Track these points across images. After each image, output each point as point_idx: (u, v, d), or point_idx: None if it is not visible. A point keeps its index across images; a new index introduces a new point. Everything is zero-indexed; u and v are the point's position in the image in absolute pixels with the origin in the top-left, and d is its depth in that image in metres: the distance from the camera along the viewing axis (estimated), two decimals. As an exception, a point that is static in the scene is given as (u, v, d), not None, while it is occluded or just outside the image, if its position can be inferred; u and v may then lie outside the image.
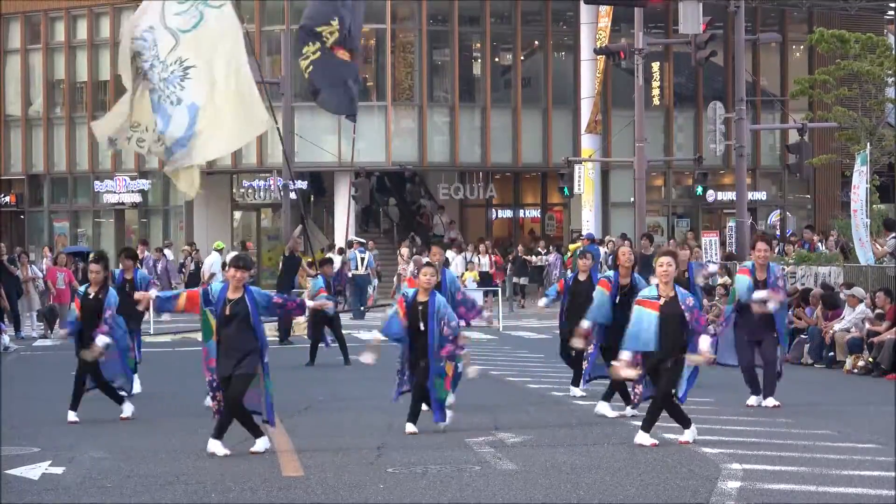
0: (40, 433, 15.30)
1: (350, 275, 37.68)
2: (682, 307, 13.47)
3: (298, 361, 23.73)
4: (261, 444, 13.44)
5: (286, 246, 29.92)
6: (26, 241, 50.04)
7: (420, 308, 14.63)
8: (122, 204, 50.15)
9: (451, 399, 16.38)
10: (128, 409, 16.37)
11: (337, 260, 35.91)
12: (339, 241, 42.20)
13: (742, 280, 16.91)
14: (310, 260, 26.26)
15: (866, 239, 25.82)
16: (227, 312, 13.26)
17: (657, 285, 13.61)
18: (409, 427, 14.71)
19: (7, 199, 52.44)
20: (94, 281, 16.28)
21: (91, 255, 17.10)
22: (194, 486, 11.90)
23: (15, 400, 17.94)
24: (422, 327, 14.61)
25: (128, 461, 13.18)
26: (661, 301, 13.49)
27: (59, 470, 12.77)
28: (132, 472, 12.65)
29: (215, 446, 13.36)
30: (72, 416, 16.11)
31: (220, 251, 37.62)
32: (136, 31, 17.38)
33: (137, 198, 49.67)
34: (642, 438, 13.49)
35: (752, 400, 16.92)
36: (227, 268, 13.81)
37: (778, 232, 44.93)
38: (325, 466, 12.69)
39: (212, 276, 34.05)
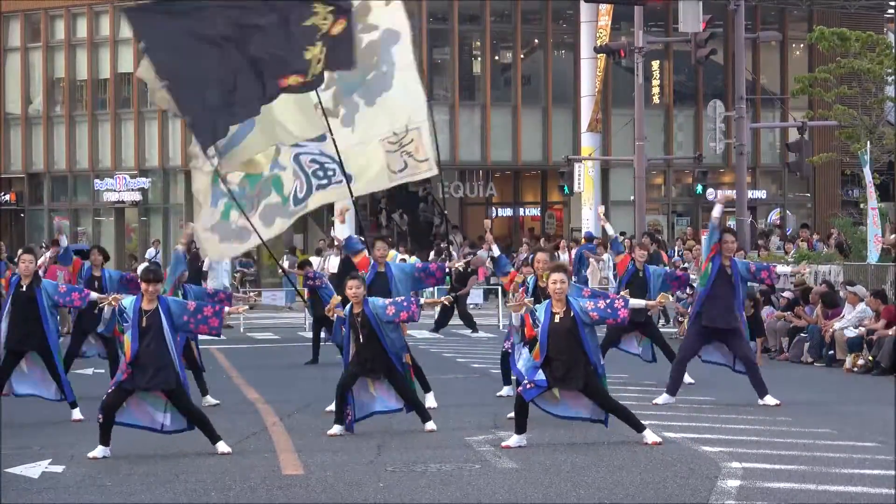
0: (40, 431, 15.30)
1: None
2: (580, 323, 13.33)
3: (298, 361, 23.73)
4: (221, 447, 13.45)
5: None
6: (26, 239, 50.01)
7: (359, 319, 14.51)
8: (123, 202, 50.14)
9: (432, 402, 16.40)
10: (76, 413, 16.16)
11: (317, 260, 36.01)
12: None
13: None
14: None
15: (872, 237, 25.75)
16: (143, 324, 13.20)
17: (549, 303, 13.48)
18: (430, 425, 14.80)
19: (7, 197, 52.43)
20: (24, 272, 15.94)
21: (23, 248, 16.63)
22: (194, 484, 11.90)
23: (15, 398, 17.89)
24: (361, 340, 14.52)
25: (128, 460, 13.18)
26: (556, 320, 13.37)
27: (59, 468, 12.76)
28: (132, 470, 12.65)
29: (222, 447, 13.44)
30: (76, 413, 16.13)
31: None
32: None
33: (137, 196, 49.67)
34: (649, 436, 13.49)
35: (662, 399, 16.77)
36: (140, 280, 13.68)
37: (778, 228, 44.92)
38: (324, 465, 12.69)
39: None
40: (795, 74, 43.65)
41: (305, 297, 23.82)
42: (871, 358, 21.16)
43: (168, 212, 49.78)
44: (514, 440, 13.52)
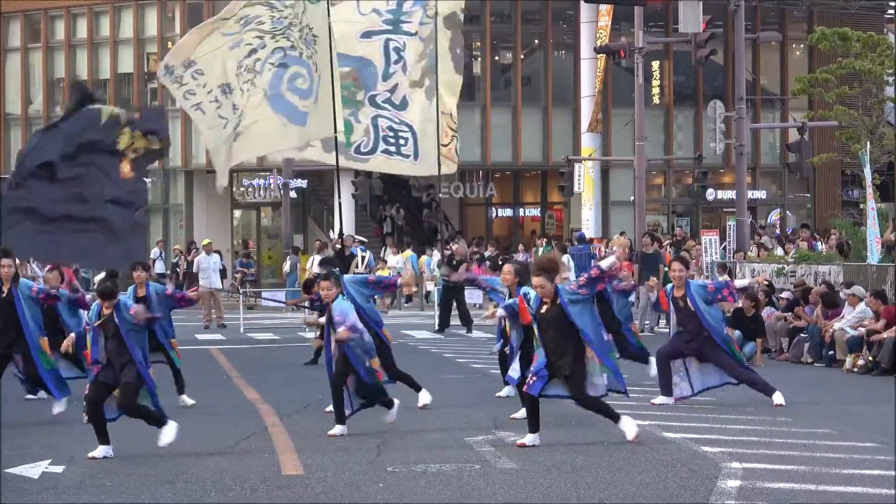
0: (40, 431, 15.30)
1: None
2: (567, 307, 13.41)
3: (298, 361, 23.72)
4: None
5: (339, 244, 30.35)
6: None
7: (328, 318, 14.66)
8: (122, 203, 50.13)
9: (426, 399, 16.45)
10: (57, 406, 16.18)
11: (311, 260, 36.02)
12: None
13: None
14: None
15: (873, 238, 25.77)
16: (103, 327, 13.44)
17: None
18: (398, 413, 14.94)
19: (7, 197, 52.44)
20: (4, 277, 15.87)
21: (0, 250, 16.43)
22: (194, 484, 11.90)
23: (15, 399, 17.92)
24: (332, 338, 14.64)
25: (128, 460, 13.18)
26: (542, 310, 13.49)
27: (58, 469, 12.76)
28: (132, 470, 12.65)
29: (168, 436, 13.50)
30: (56, 406, 16.17)
31: (204, 247, 37.46)
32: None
33: (137, 196, 49.64)
34: (628, 426, 13.57)
35: (659, 399, 16.86)
36: (97, 294, 13.80)
37: (778, 231, 44.94)
38: (324, 465, 12.69)
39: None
40: (795, 75, 43.68)
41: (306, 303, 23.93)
42: (871, 358, 21.15)
43: (168, 212, 49.81)
44: (528, 438, 13.60)
